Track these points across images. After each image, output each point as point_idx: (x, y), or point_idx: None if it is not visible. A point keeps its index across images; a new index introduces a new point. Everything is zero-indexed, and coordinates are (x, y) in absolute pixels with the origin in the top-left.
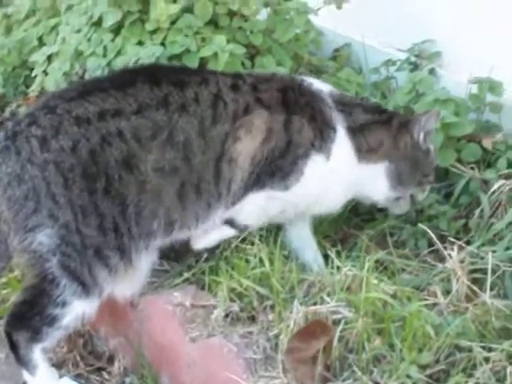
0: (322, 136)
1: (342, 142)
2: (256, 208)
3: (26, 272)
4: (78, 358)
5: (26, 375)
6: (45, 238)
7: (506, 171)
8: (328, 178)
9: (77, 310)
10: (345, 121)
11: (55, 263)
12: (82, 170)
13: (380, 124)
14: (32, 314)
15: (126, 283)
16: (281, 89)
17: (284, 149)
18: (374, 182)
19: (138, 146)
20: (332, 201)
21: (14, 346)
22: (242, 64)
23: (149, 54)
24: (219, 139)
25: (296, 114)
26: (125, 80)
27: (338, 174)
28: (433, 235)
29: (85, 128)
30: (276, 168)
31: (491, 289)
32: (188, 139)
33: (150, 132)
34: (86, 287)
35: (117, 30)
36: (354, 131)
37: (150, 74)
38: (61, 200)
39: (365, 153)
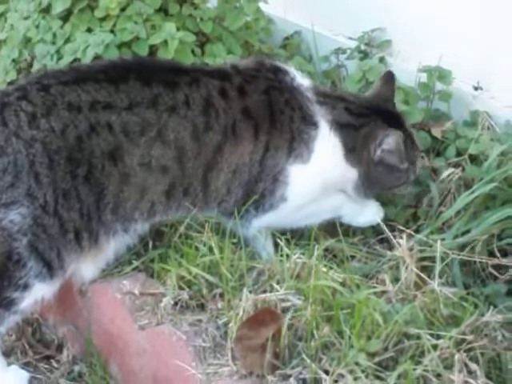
0: (300, 138)
1: (325, 137)
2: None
3: None
4: (27, 346)
5: None
6: (17, 216)
7: (455, 159)
8: (317, 178)
9: (37, 294)
10: (328, 114)
11: (24, 243)
12: (67, 154)
13: (353, 129)
14: None
15: (90, 264)
16: (265, 90)
17: (262, 170)
18: (348, 184)
19: (126, 140)
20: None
21: None
22: (193, 52)
23: (98, 41)
24: (211, 146)
25: (276, 128)
26: (118, 74)
27: (324, 169)
28: (382, 223)
29: (74, 115)
30: (264, 189)
31: (440, 277)
32: (180, 140)
33: (138, 128)
34: (51, 269)
35: (66, 16)
36: (339, 126)
37: (142, 71)
38: (44, 180)
39: (349, 152)
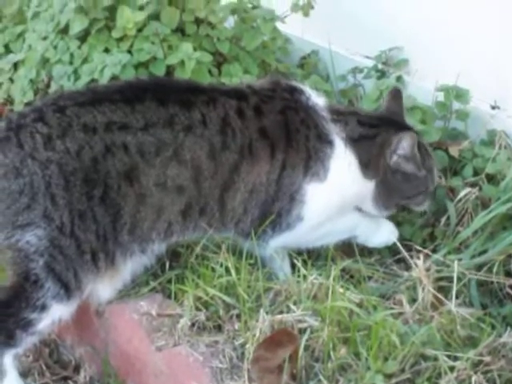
0: (316, 157)
1: (341, 155)
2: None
3: (6, 269)
4: (44, 367)
5: None
6: (34, 237)
7: (472, 179)
8: (334, 195)
9: (54, 315)
10: (342, 131)
11: (41, 264)
12: (83, 175)
13: (369, 139)
14: (7, 317)
15: (107, 284)
16: (281, 110)
17: (278, 189)
18: (366, 199)
19: (142, 161)
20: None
21: None
22: (209, 72)
23: (115, 61)
24: (228, 166)
25: (292, 147)
26: (134, 95)
27: (342, 187)
28: (398, 244)
29: (90, 136)
30: (280, 208)
31: (457, 297)
32: (196, 159)
33: (154, 148)
34: (68, 290)
35: (83, 37)
36: (353, 142)
37: (158, 91)
38: (60, 202)
39: (364, 167)
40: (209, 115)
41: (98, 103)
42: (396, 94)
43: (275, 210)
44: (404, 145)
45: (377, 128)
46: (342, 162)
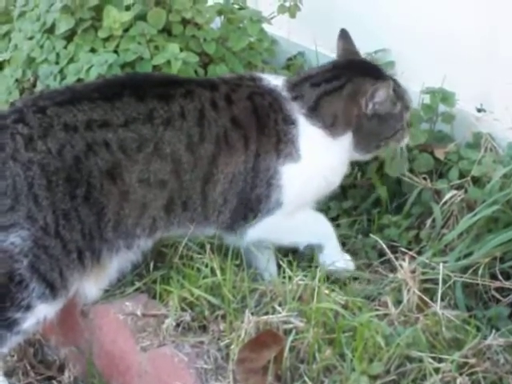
0: (286, 138)
1: (306, 132)
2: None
3: None
4: (28, 366)
5: None
6: (18, 238)
7: (458, 181)
8: (311, 171)
9: (39, 314)
10: (301, 107)
11: (25, 265)
12: (66, 175)
13: (329, 95)
14: None
15: (93, 283)
16: (248, 96)
17: (255, 176)
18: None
19: (124, 158)
20: (334, 180)
21: None
22: (195, 72)
23: (101, 61)
24: (206, 158)
25: (264, 134)
26: (112, 92)
27: (318, 162)
28: (384, 245)
29: (71, 135)
30: (258, 195)
31: (442, 299)
32: (175, 152)
33: (136, 144)
34: (54, 290)
35: (69, 37)
36: (312, 111)
37: (136, 86)
38: (43, 202)
39: (331, 127)
40: (187, 107)
41: (77, 102)
42: (344, 34)
43: (254, 198)
44: (380, 94)
45: (338, 79)
46: (310, 138)
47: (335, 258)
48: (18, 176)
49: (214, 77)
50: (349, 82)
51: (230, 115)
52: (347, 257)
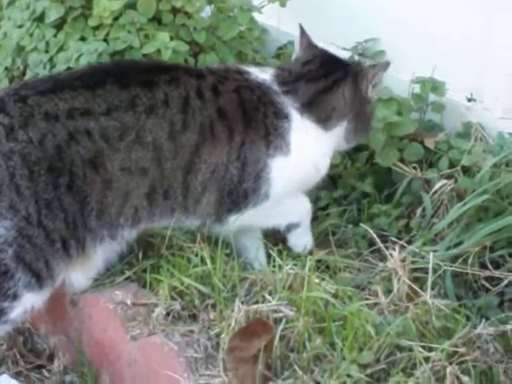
0: (276, 132)
1: (299, 126)
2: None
3: None
4: (18, 355)
5: None
6: (1, 229)
7: (448, 171)
8: (301, 164)
9: (26, 304)
10: (294, 101)
11: (10, 254)
12: (47, 164)
13: (327, 90)
14: None
15: (79, 272)
16: (235, 89)
17: (241, 169)
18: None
19: (106, 146)
20: (321, 171)
21: None
22: (185, 61)
23: (91, 49)
24: (189, 147)
25: (251, 127)
26: (95, 80)
27: (308, 156)
28: (374, 235)
29: (52, 124)
30: (246, 189)
31: (432, 288)
32: (157, 140)
33: (118, 133)
34: (40, 279)
35: (59, 25)
36: (307, 106)
37: (120, 73)
38: (25, 192)
39: (325, 121)
40: (171, 94)
41: (59, 90)
42: (303, 30)
43: (241, 192)
44: (379, 76)
45: (333, 73)
46: (302, 133)
47: (306, 236)
48: (0, 167)
49: (201, 67)
50: (341, 78)
51: (216, 106)
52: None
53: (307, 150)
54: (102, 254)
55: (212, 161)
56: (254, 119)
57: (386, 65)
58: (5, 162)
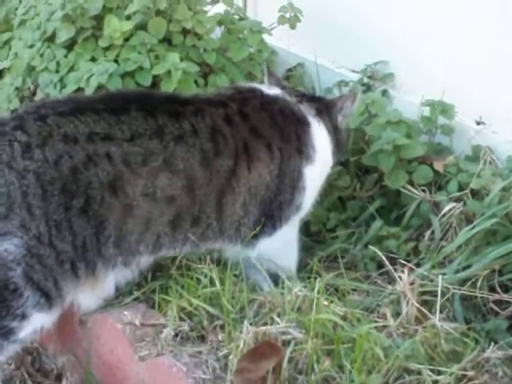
0: (305, 141)
1: (318, 132)
2: (286, 246)
3: None
4: (26, 375)
5: None
6: (11, 246)
7: (457, 194)
8: (321, 173)
9: (35, 323)
10: (310, 109)
11: (19, 273)
12: (61, 185)
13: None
14: None
15: (88, 294)
16: (260, 106)
17: (280, 183)
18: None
19: (127, 170)
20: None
21: None
22: (196, 82)
23: (102, 70)
24: (223, 172)
25: (284, 139)
26: (119, 105)
27: (327, 163)
28: (383, 257)
29: (70, 146)
30: (281, 202)
31: (441, 311)
32: (189, 168)
33: (141, 158)
34: (49, 299)
35: (70, 45)
36: (319, 114)
37: (144, 102)
38: (36, 212)
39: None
40: (198, 125)
41: (79, 113)
42: (270, 71)
43: (276, 205)
44: (349, 105)
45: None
46: (321, 138)
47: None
48: (13, 185)
49: (215, 93)
50: (320, 102)
51: (248, 127)
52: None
53: (327, 156)
54: (113, 278)
55: (252, 183)
56: (286, 131)
57: (353, 96)
58: (18, 180)
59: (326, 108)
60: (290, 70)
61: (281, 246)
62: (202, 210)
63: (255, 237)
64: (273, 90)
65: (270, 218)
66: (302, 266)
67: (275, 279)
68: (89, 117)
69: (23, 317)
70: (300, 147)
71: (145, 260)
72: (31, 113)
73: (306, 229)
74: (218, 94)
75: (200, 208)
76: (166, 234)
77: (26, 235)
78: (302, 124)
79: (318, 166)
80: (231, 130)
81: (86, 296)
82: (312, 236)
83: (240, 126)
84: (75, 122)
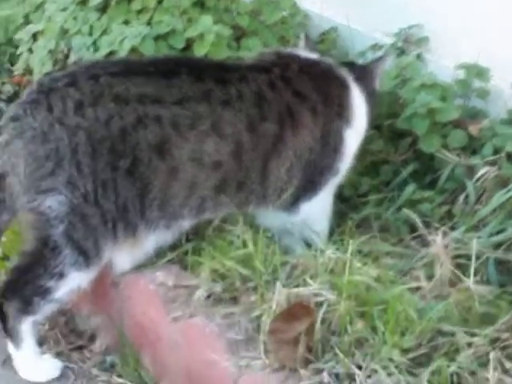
0: (346, 104)
1: (358, 96)
2: (322, 211)
3: (26, 234)
4: (60, 335)
5: (10, 348)
6: (55, 203)
7: (492, 158)
8: (358, 137)
9: (72, 283)
10: (349, 73)
11: (60, 231)
12: (110, 145)
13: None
14: (25, 283)
15: (126, 255)
16: (300, 70)
17: (323, 146)
18: None
19: (175, 133)
20: None
21: (3, 317)
22: (228, 45)
23: (135, 33)
24: (269, 136)
25: (327, 102)
26: (169, 69)
27: (362, 127)
28: (417, 220)
29: (121, 106)
30: (323, 167)
31: (475, 274)
32: (236, 133)
33: (189, 121)
34: (88, 258)
35: (103, 8)
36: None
37: (192, 67)
38: (85, 170)
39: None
40: (243, 90)
41: (131, 75)
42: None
43: (318, 170)
44: (382, 68)
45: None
46: (359, 102)
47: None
48: (63, 140)
49: (257, 59)
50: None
51: (291, 91)
52: None
53: (363, 121)
54: (154, 240)
55: (297, 147)
56: (329, 94)
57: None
58: (69, 136)
59: (362, 72)
60: (323, 34)
61: (317, 211)
62: (247, 176)
63: (296, 201)
64: (310, 55)
65: (311, 183)
66: (335, 230)
67: (307, 243)
68: (140, 79)
69: (61, 275)
70: (341, 111)
71: (187, 223)
72: (84, 71)
73: (339, 194)
74: (260, 59)
75: (246, 173)
76: (210, 198)
77: (72, 193)
78: (344, 88)
79: (356, 129)
80: (275, 94)
81: (124, 256)
82: (345, 201)
83: (283, 91)
84: (126, 83)
